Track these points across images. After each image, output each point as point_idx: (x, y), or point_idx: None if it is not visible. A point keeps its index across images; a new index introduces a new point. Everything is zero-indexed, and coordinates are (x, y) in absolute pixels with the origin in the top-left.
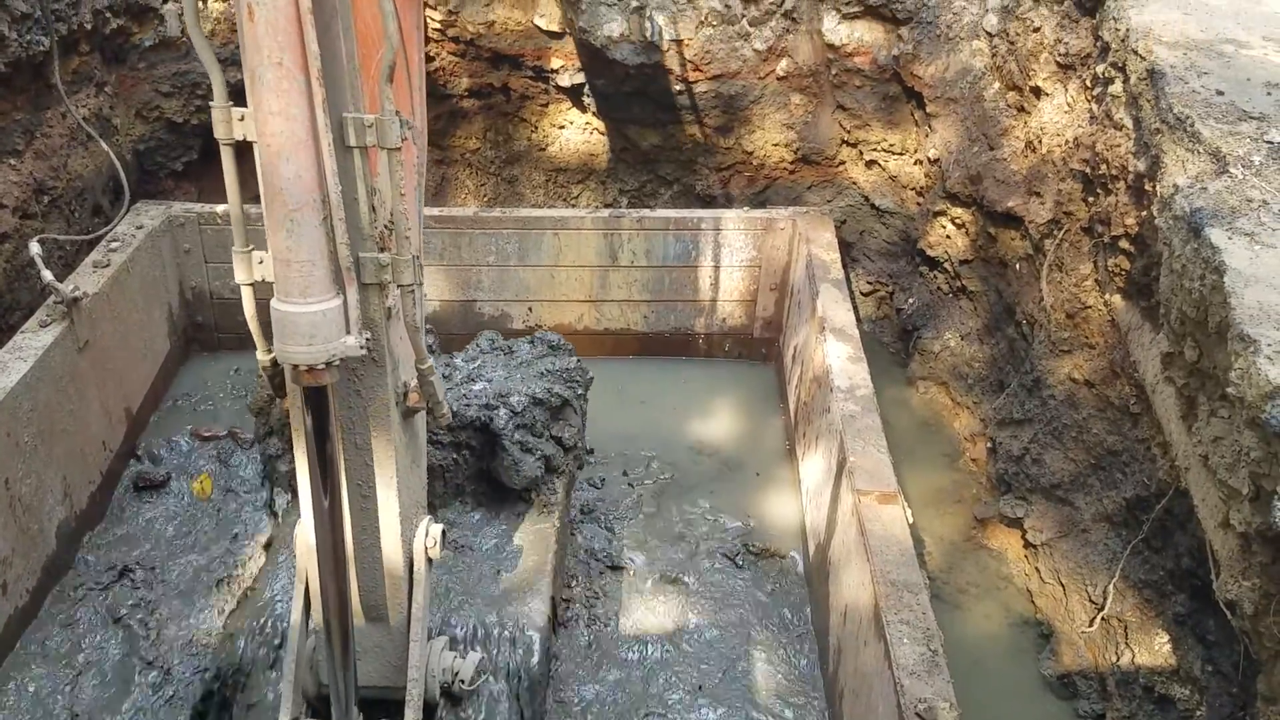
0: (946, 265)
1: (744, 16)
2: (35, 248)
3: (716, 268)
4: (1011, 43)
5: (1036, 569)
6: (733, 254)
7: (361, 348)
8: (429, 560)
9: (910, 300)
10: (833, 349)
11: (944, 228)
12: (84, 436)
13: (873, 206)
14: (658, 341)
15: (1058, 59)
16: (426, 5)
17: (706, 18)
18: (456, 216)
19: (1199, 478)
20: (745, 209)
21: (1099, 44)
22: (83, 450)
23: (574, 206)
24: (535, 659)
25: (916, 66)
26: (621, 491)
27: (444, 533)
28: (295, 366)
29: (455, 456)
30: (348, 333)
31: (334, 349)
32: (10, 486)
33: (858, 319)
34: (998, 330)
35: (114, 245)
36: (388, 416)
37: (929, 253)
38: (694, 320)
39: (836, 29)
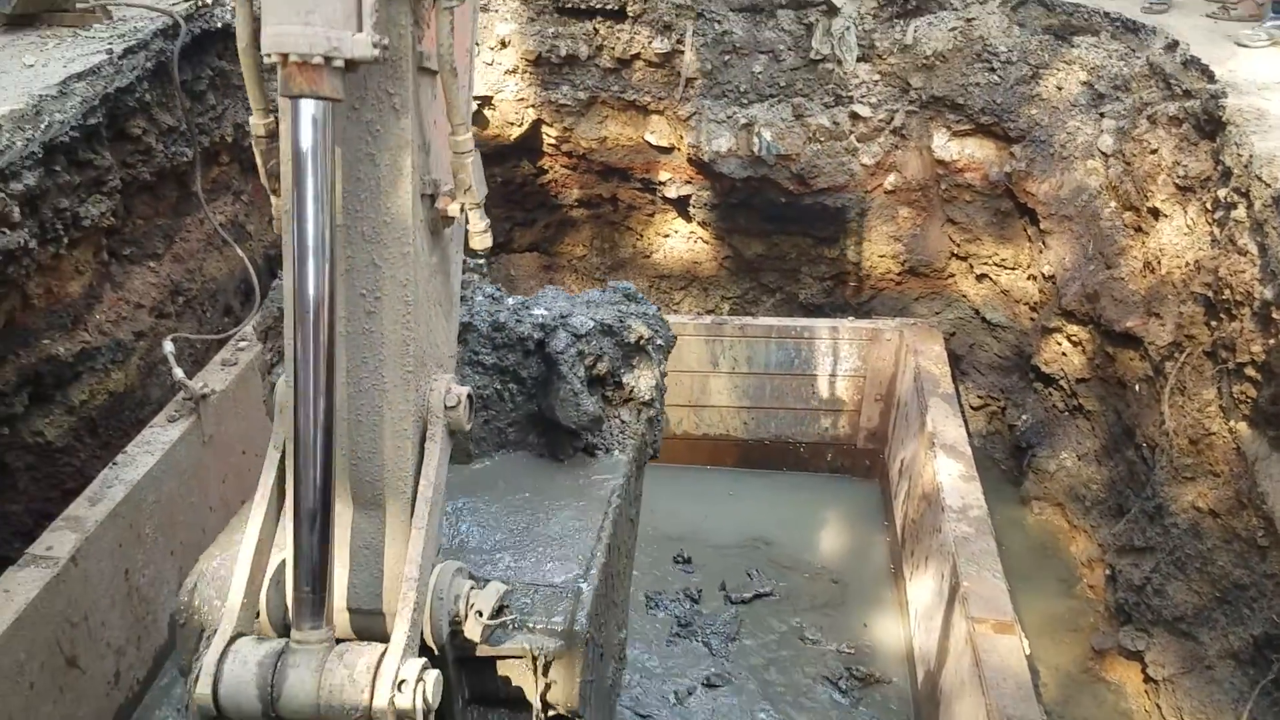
0: (1062, 382)
1: (852, 133)
2: (169, 346)
3: (819, 376)
4: (1128, 163)
5: (1158, 705)
6: (836, 363)
7: (376, 47)
8: (449, 430)
9: (1024, 417)
10: (943, 466)
11: (1059, 344)
12: (202, 529)
13: (984, 320)
14: (757, 449)
15: (1176, 181)
16: (544, 123)
17: (815, 134)
18: None
19: None
20: (850, 319)
21: (1220, 168)
22: (200, 543)
23: (676, 312)
24: (582, 615)
25: (1029, 183)
26: (719, 606)
27: (470, 398)
28: (285, 63)
29: (499, 388)
30: (359, 30)
31: (338, 41)
32: (129, 577)
33: (968, 434)
34: (1117, 452)
35: (242, 345)
36: (408, 199)
37: (1044, 369)
38: (795, 429)
39: (946, 145)
